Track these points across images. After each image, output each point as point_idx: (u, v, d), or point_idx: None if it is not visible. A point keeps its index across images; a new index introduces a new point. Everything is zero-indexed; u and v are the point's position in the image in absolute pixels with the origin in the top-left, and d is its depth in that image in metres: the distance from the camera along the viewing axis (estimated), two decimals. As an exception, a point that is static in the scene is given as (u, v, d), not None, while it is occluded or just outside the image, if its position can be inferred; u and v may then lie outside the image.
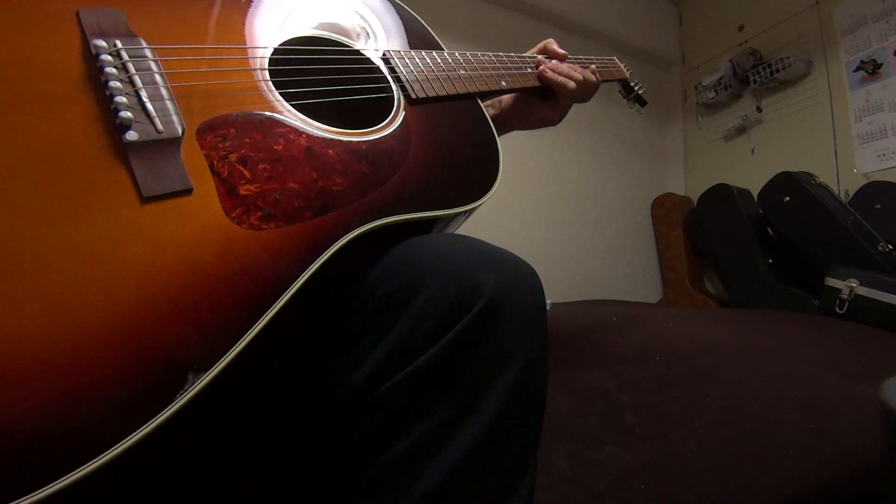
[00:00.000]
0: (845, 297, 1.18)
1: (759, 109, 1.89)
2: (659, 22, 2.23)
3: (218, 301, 0.31)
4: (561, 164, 1.92)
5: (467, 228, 0.50)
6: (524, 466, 0.34)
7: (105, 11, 0.38)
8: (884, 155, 1.52)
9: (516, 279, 0.36)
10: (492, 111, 0.72)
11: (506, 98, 0.72)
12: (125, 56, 0.37)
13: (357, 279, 0.40)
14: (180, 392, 0.27)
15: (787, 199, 1.50)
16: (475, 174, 0.50)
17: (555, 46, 0.72)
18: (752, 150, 1.91)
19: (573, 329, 0.94)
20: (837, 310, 1.19)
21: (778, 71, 1.75)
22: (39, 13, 0.36)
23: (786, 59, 1.72)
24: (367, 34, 0.56)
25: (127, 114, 0.34)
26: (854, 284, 1.18)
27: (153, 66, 0.38)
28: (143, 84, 0.36)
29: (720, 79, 1.96)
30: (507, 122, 0.72)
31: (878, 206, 1.41)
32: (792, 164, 1.59)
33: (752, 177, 1.76)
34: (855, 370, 0.72)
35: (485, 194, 0.48)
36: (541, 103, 0.70)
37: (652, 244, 2.12)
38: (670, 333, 0.86)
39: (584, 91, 0.71)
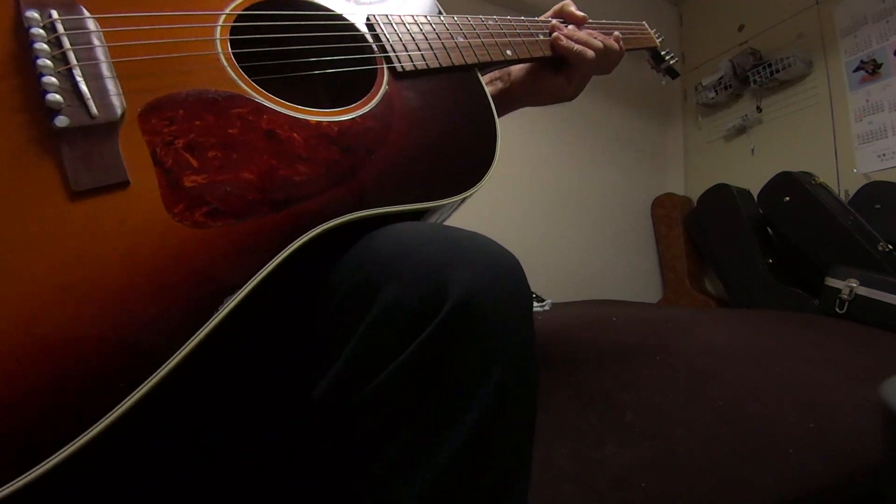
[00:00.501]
0: (845, 297, 1.18)
1: (759, 109, 1.89)
2: (659, 22, 2.21)
3: (152, 312, 0.27)
4: (561, 164, 1.92)
5: (462, 226, 0.46)
6: (513, 481, 0.31)
7: None
8: (884, 155, 1.52)
9: (492, 275, 0.31)
10: (500, 84, 0.65)
11: (516, 69, 0.63)
12: (60, 28, 0.32)
13: (321, 276, 0.35)
14: (108, 411, 0.24)
15: (787, 199, 1.50)
16: (466, 161, 0.44)
17: (572, 9, 0.63)
18: (752, 150, 1.91)
19: (573, 329, 0.94)
20: (837, 310, 1.19)
21: (778, 71, 1.75)
22: None
23: (786, 59, 1.72)
24: None
25: (56, 96, 0.30)
26: (854, 284, 1.18)
27: (94, 39, 0.33)
28: (77, 61, 0.32)
29: (720, 79, 1.96)
30: (517, 96, 0.64)
31: (878, 206, 1.41)
32: (792, 164, 1.59)
33: (752, 177, 1.76)
34: (855, 370, 0.72)
35: (475, 184, 0.42)
36: (555, 75, 0.61)
37: (652, 244, 2.12)
38: (670, 333, 0.87)
39: (605, 61, 0.61)
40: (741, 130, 1.95)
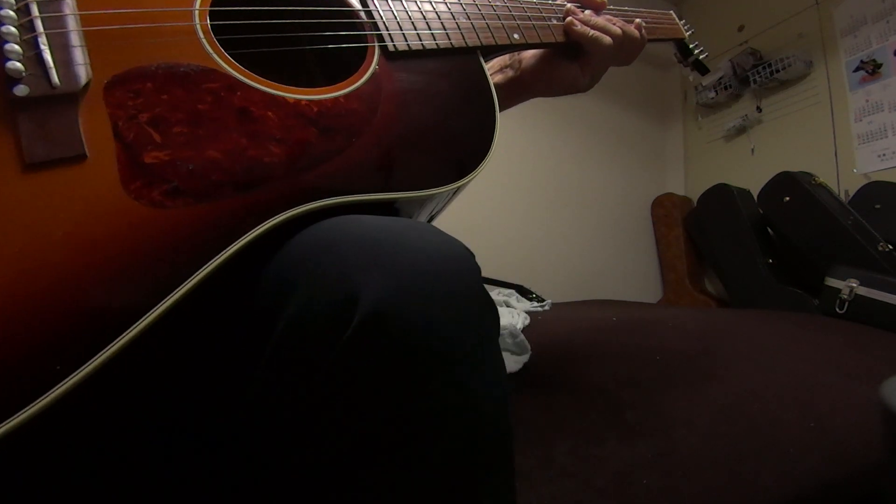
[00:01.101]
0: (845, 297, 1.19)
1: (759, 109, 1.89)
2: (659, 22, 2.23)
3: (100, 291, 0.26)
4: (561, 164, 1.92)
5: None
6: None
7: None
8: (884, 155, 1.52)
9: (421, 279, 0.25)
10: (510, 73, 0.59)
11: (527, 56, 0.58)
12: None
13: (255, 272, 0.32)
14: (50, 388, 0.24)
15: (787, 199, 1.50)
16: (459, 149, 0.40)
17: None
18: (752, 150, 1.91)
19: (573, 329, 0.94)
20: (837, 310, 1.20)
21: (778, 71, 1.75)
22: None
23: (786, 59, 1.72)
24: None
25: (16, 64, 0.28)
26: (854, 284, 1.18)
27: (65, 7, 0.32)
28: (44, 29, 0.30)
29: (720, 79, 1.96)
30: (528, 85, 0.58)
31: (878, 206, 1.41)
32: (792, 164, 1.59)
33: (752, 177, 1.77)
34: (855, 370, 0.72)
35: (466, 175, 0.39)
36: (569, 64, 0.55)
37: (652, 244, 2.12)
38: (670, 333, 0.87)
39: (625, 50, 0.56)
40: (741, 130, 1.96)
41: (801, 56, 1.71)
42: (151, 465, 0.33)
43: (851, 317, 1.16)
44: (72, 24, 0.31)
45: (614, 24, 0.55)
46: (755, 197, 1.67)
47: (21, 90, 0.28)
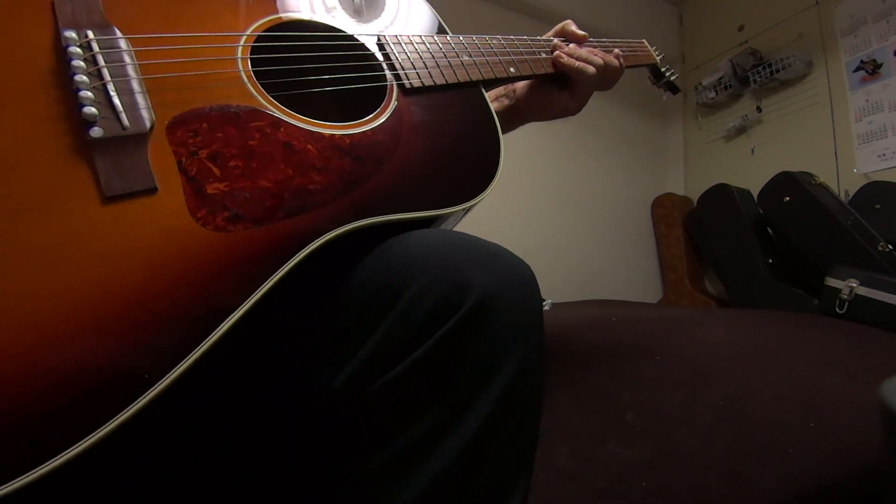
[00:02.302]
0: (845, 297, 1.19)
1: (759, 109, 1.89)
2: (659, 22, 2.23)
3: (176, 307, 0.29)
4: (561, 164, 1.92)
5: (464, 227, 0.48)
6: (515, 476, 0.33)
7: (80, 0, 0.37)
8: (884, 155, 1.52)
9: (509, 278, 0.34)
10: (506, 101, 0.68)
11: (520, 86, 0.66)
12: (95, 48, 0.35)
13: (342, 279, 0.38)
14: (134, 400, 0.26)
15: (787, 199, 1.50)
16: (470, 172, 0.46)
17: (573, 28, 0.66)
18: (752, 150, 1.91)
19: (573, 329, 0.94)
20: (837, 310, 1.19)
21: (778, 71, 1.75)
22: (11, 4, 0.35)
23: (786, 59, 1.72)
24: (363, 16, 0.52)
25: (91, 109, 0.32)
26: (854, 284, 1.18)
27: (126, 57, 0.36)
28: (111, 77, 0.34)
29: (720, 79, 1.96)
30: (523, 112, 0.67)
31: (878, 206, 1.41)
32: (792, 164, 1.59)
33: (752, 177, 1.77)
34: (855, 370, 0.72)
35: (480, 193, 0.44)
36: (559, 91, 0.63)
37: (652, 244, 2.12)
38: (670, 333, 0.87)
39: (606, 77, 0.64)
40: (741, 130, 1.96)
41: (801, 56, 1.71)
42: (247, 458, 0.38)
43: (851, 317, 1.16)
44: (132, 72, 0.36)
45: (596, 55, 0.62)
46: (755, 197, 1.67)
47: (96, 132, 0.32)
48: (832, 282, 1.23)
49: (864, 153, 1.58)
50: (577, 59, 0.61)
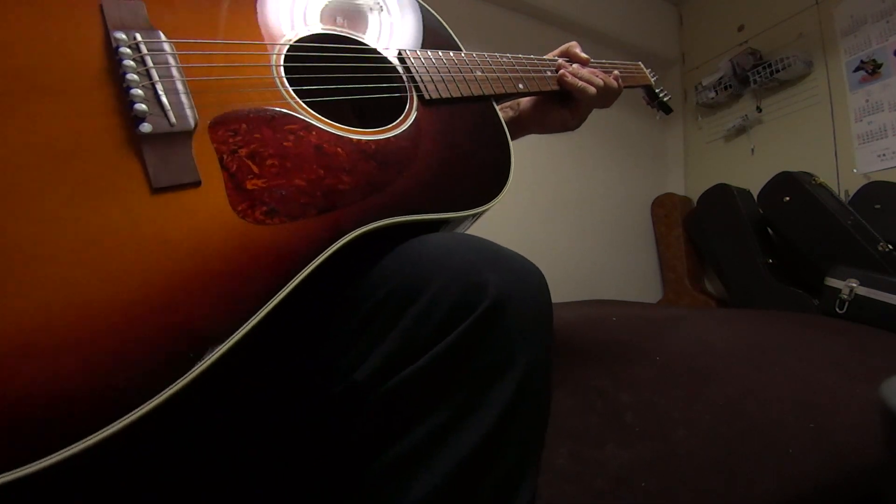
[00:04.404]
0: (845, 297, 1.19)
1: (759, 109, 1.89)
2: (659, 22, 2.23)
3: (219, 291, 0.32)
4: (561, 165, 1.92)
5: (468, 228, 0.49)
6: (525, 470, 0.34)
7: (127, 4, 0.39)
8: (884, 155, 1.52)
9: (522, 280, 0.36)
10: (510, 113, 0.72)
11: (524, 101, 0.71)
12: (144, 49, 0.38)
13: (359, 278, 0.39)
14: (176, 379, 0.28)
15: (787, 199, 1.50)
16: (485, 178, 0.49)
17: (577, 50, 0.71)
18: (752, 150, 1.91)
19: (573, 329, 0.94)
20: (837, 310, 1.19)
21: (778, 71, 1.75)
22: (63, 5, 0.37)
23: (786, 59, 1.72)
24: (386, 32, 0.56)
25: (142, 106, 0.35)
26: (854, 284, 1.18)
27: (171, 59, 0.39)
28: (159, 77, 0.37)
29: (720, 79, 1.96)
30: (525, 125, 0.71)
31: (878, 206, 1.41)
32: (792, 164, 1.59)
33: (752, 177, 1.77)
34: (855, 370, 0.72)
35: (492, 199, 0.47)
36: (560, 108, 0.68)
37: (652, 244, 2.12)
38: (670, 334, 0.87)
39: (605, 97, 0.69)
40: (741, 130, 1.96)
41: (801, 56, 1.71)
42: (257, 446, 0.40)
43: (851, 317, 1.16)
44: (177, 73, 0.38)
45: (597, 76, 0.67)
46: (755, 197, 1.67)
47: (146, 128, 0.34)
48: (832, 282, 1.23)
49: (864, 153, 1.57)
50: (581, 78, 0.65)
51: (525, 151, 2.01)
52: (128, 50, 0.37)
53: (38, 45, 0.34)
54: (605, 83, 0.67)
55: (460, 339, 0.33)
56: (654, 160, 2.23)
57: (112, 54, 0.36)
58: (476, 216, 0.47)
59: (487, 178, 0.49)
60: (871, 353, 0.82)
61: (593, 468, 0.52)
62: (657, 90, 0.88)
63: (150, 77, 0.36)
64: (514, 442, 0.33)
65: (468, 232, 0.52)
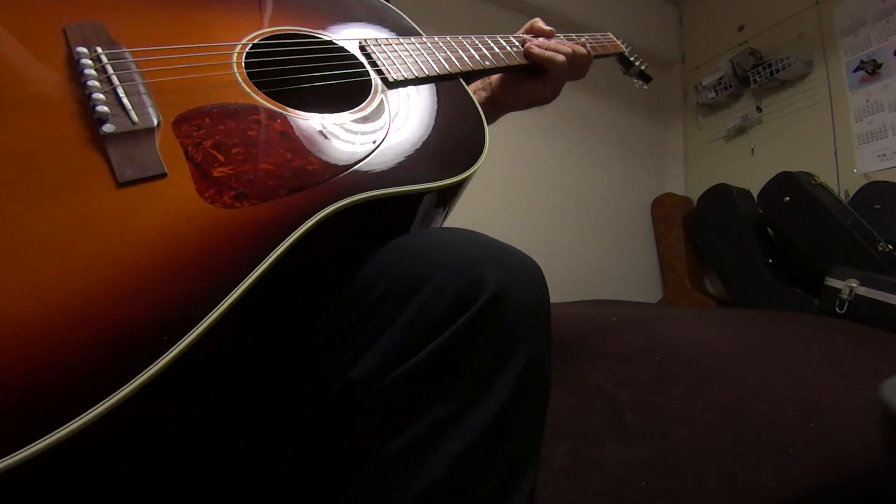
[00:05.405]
0: (845, 297, 1.18)
1: (759, 109, 1.89)
2: (659, 22, 2.23)
3: (190, 273, 0.32)
4: (561, 165, 1.92)
5: (464, 226, 0.49)
6: (526, 463, 0.34)
7: (89, 24, 0.42)
8: (884, 155, 1.52)
9: (521, 274, 0.36)
10: (483, 94, 0.72)
11: (495, 79, 0.71)
12: (104, 59, 0.40)
13: (354, 272, 0.39)
14: (146, 367, 0.28)
15: (787, 199, 1.50)
16: (460, 148, 0.50)
17: (541, 24, 0.71)
18: (752, 150, 1.91)
19: (573, 329, 0.94)
20: (837, 310, 1.19)
21: (778, 71, 1.75)
22: (29, 31, 0.40)
23: (786, 59, 1.72)
24: (346, 28, 0.57)
25: (103, 108, 0.36)
26: (854, 284, 1.18)
27: (132, 66, 0.41)
28: (119, 82, 0.39)
29: (720, 79, 1.96)
30: (499, 102, 0.71)
31: (878, 206, 1.41)
32: (792, 164, 1.59)
33: (752, 177, 1.77)
34: (855, 370, 0.72)
35: (468, 169, 0.47)
36: (532, 80, 0.68)
37: (652, 244, 2.12)
38: (670, 333, 0.87)
39: (576, 65, 0.69)
40: (741, 130, 1.96)
41: (801, 56, 1.71)
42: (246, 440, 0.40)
43: (851, 317, 1.16)
44: (138, 78, 0.40)
45: (564, 44, 0.67)
46: (755, 197, 1.67)
47: (108, 128, 0.36)
48: (832, 282, 1.23)
49: (864, 153, 1.57)
50: (547, 48, 0.66)
51: (526, 151, 2.02)
52: (89, 61, 0.39)
53: (3, 67, 0.37)
54: (573, 50, 0.67)
55: (460, 334, 0.33)
56: (654, 160, 2.23)
57: (75, 66, 0.39)
58: (455, 190, 0.48)
59: (461, 149, 0.49)
60: (871, 353, 0.82)
61: (593, 467, 0.52)
62: (631, 58, 0.86)
63: (110, 82, 0.38)
64: (514, 435, 0.33)
65: (450, 217, 0.53)
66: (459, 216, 0.56)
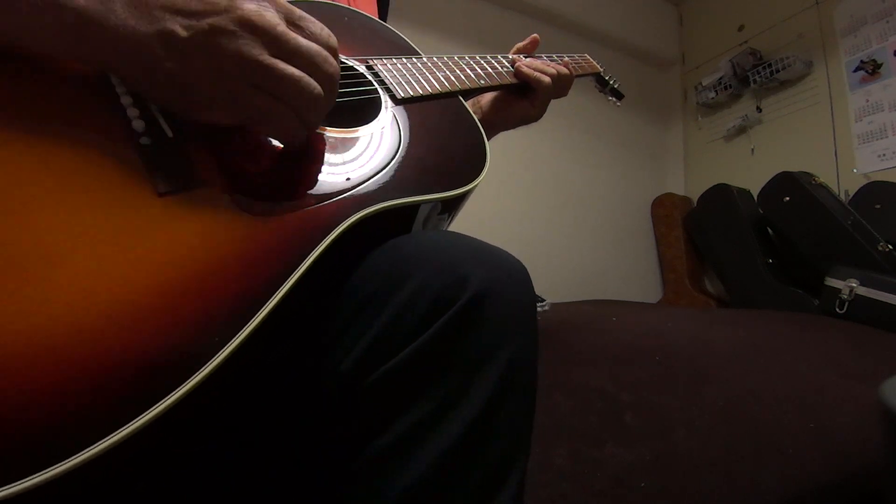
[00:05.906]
0: (845, 297, 1.18)
1: (759, 109, 1.89)
2: (659, 22, 2.23)
3: (230, 283, 0.34)
4: (561, 165, 1.92)
5: (466, 226, 0.50)
6: (513, 461, 0.35)
7: None
8: (884, 155, 1.52)
9: (504, 275, 0.36)
10: (476, 115, 0.75)
11: (485, 100, 0.76)
12: None
13: (345, 276, 0.40)
14: (192, 373, 0.29)
15: (787, 199, 1.50)
16: (464, 161, 0.53)
17: (523, 44, 0.79)
18: (752, 150, 1.91)
19: (573, 329, 0.94)
20: (837, 310, 1.19)
21: (778, 71, 1.75)
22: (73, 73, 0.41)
23: (786, 59, 1.72)
24: (352, 48, 0.61)
25: (139, 122, 0.38)
26: (854, 284, 1.18)
27: None
28: None
29: (720, 79, 1.96)
30: (490, 122, 0.75)
31: (878, 206, 1.41)
32: (792, 164, 1.59)
33: (752, 177, 1.77)
34: (855, 370, 0.72)
35: (473, 180, 0.50)
36: (520, 100, 0.74)
37: (652, 244, 2.12)
38: (670, 333, 0.87)
39: (560, 85, 0.75)
40: (741, 130, 1.96)
41: (801, 56, 1.71)
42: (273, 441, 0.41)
43: (851, 317, 1.16)
44: None
45: (549, 66, 0.74)
46: (755, 197, 1.67)
47: (145, 140, 0.37)
48: (832, 282, 1.23)
49: (864, 153, 1.57)
50: (535, 69, 0.72)
51: (526, 152, 2.02)
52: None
53: (54, 103, 0.38)
54: (557, 71, 0.73)
55: (441, 332, 0.33)
56: (654, 160, 2.23)
57: (110, 84, 0.40)
58: (460, 200, 0.51)
59: (467, 160, 0.53)
60: (871, 353, 0.82)
61: (593, 468, 0.52)
62: (606, 77, 0.95)
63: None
64: (499, 433, 0.34)
65: (454, 224, 0.55)
66: (460, 216, 0.57)
